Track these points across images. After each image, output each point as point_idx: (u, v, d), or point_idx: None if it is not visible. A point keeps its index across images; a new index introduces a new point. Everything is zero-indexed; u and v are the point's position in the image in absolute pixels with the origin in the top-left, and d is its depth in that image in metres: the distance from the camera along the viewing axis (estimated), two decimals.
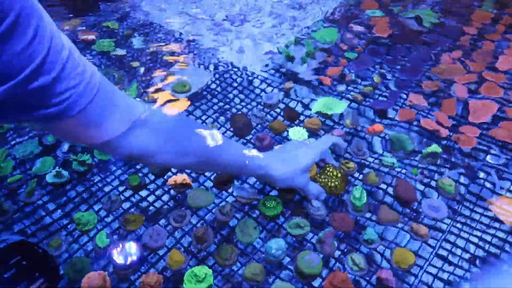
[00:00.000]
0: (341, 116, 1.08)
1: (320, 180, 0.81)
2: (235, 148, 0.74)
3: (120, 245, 0.80)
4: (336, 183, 0.80)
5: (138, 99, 1.15)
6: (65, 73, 0.45)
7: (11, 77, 0.39)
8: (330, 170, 0.80)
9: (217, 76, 1.26)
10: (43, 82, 0.42)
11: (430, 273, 0.77)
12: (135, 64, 1.30)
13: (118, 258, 0.78)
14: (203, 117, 1.12)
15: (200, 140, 0.66)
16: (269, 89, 1.20)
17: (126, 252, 0.79)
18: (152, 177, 0.95)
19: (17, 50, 0.38)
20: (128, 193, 0.92)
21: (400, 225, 0.84)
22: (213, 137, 0.68)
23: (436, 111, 1.08)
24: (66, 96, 0.46)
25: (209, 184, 0.94)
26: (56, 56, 0.43)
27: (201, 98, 1.18)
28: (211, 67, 1.30)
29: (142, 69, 1.28)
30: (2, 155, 0.97)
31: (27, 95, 0.42)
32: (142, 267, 0.79)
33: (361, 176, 0.92)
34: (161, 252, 0.81)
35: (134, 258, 0.78)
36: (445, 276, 0.76)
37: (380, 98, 1.13)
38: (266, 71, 1.27)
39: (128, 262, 0.78)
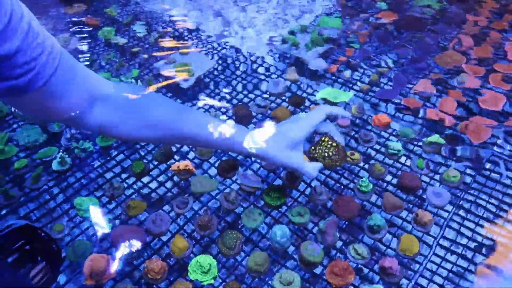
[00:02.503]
0: (347, 105, 1.07)
1: (315, 152, 0.73)
2: (211, 122, 0.67)
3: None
4: (331, 153, 0.71)
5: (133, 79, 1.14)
6: (27, 43, 0.44)
7: None
8: (325, 140, 0.72)
9: (220, 62, 1.25)
10: (7, 50, 0.42)
11: (434, 262, 0.77)
12: (136, 49, 1.29)
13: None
14: (205, 105, 1.11)
15: (166, 113, 0.64)
16: (273, 76, 1.19)
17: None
18: (155, 163, 0.95)
19: None
20: (131, 180, 0.92)
21: (404, 213, 0.83)
22: (183, 111, 0.66)
23: (441, 100, 1.07)
24: (31, 67, 0.45)
25: (213, 171, 0.93)
26: (17, 23, 0.43)
27: (204, 84, 1.17)
28: (214, 53, 1.29)
29: (144, 55, 1.27)
30: (4, 138, 0.96)
31: None
32: (146, 253, 0.79)
33: (366, 166, 0.92)
34: (164, 238, 0.81)
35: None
36: (448, 266, 0.76)
37: (386, 87, 1.12)
38: (270, 58, 1.26)
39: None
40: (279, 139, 0.68)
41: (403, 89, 1.11)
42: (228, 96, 1.13)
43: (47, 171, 0.92)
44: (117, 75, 1.19)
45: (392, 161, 0.94)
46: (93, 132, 0.73)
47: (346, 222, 0.82)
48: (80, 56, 1.27)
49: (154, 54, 1.27)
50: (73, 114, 0.55)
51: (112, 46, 1.33)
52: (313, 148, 0.73)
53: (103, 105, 0.59)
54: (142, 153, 0.97)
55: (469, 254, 0.77)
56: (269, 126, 0.72)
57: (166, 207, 0.86)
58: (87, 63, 1.24)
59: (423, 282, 0.74)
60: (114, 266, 0.75)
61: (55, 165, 0.92)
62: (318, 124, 0.72)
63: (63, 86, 0.52)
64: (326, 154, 0.72)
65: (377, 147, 0.97)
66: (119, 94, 0.61)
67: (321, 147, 0.72)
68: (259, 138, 0.67)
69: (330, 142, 0.72)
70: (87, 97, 0.57)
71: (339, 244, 0.79)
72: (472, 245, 0.78)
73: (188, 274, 0.73)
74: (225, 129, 0.66)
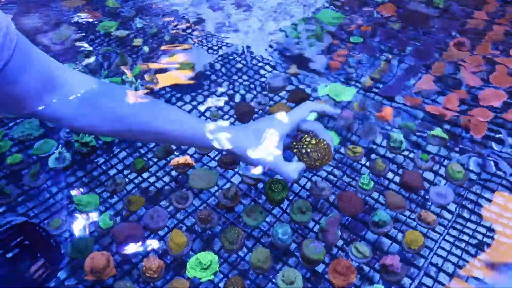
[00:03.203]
0: (349, 102, 1.07)
1: (294, 147, 0.66)
2: (183, 118, 0.63)
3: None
4: (309, 149, 0.64)
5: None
6: None
7: None
8: (307, 138, 0.65)
9: (220, 58, 1.24)
10: None
11: (440, 256, 0.76)
12: (138, 42, 1.27)
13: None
14: (205, 101, 1.10)
15: (134, 106, 0.59)
16: (275, 71, 1.18)
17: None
18: (155, 160, 0.94)
19: None
20: (132, 176, 0.91)
21: (407, 213, 0.82)
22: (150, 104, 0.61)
23: (444, 97, 1.06)
24: None
25: (213, 165, 0.92)
26: None
27: (205, 79, 1.15)
28: (215, 48, 1.27)
29: (146, 48, 1.25)
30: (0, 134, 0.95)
31: None
32: (144, 250, 0.78)
33: (368, 163, 0.91)
34: (162, 233, 0.80)
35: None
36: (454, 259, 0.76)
37: (389, 84, 1.11)
38: (271, 54, 1.24)
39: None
40: (257, 136, 0.63)
41: (406, 86, 1.10)
42: (228, 92, 1.12)
43: (45, 169, 0.90)
44: (116, 74, 1.18)
45: (394, 154, 0.93)
46: (55, 124, 0.69)
47: (349, 219, 0.81)
48: (79, 49, 1.26)
49: (157, 52, 1.26)
50: (30, 103, 0.52)
51: (112, 39, 1.31)
52: (294, 143, 0.66)
53: (63, 95, 0.55)
54: (143, 151, 0.96)
55: (472, 250, 0.77)
56: (250, 124, 0.67)
57: (164, 202, 0.85)
58: (86, 58, 1.23)
59: (428, 281, 0.73)
60: (114, 264, 0.74)
61: (52, 162, 0.90)
62: (302, 121, 0.66)
63: (20, 71, 0.48)
64: (304, 151, 0.64)
65: (379, 141, 0.96)
66: (82, 83, 0.57)
67: (300, 144, 0.66)
68: (236, 134, 0.62)
69: (308, 139, 0.65)
70: (46, 85, 0.53)
71: (340, 243, 0.78)
72: (474, 242, 0.78)
73: (186, 272, 0.73)
74: (200, 125, 0.62)
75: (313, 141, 0.65)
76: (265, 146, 0.62)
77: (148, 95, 0.63)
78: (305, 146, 0.65)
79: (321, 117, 1.01)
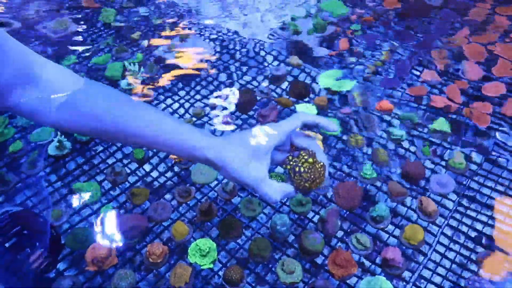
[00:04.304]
0: (350, 96, 1.06)
1: (288, 163, 0.58)
2: (164, 121, 0.56)
3: None
4: (303, 169, 0.57)
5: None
6: None
7: None
8: (303, 154, 0.58)
9: (220, 48, 1.23)
10: None
11: (439, 252, 0.76)
12: (137, 35, 1.26)
13: None
14: (204, 91, 1.09)
15: (109, 105, 0.55)
16: (275, 63, 1.17)
17: None
18: (155, 150, 0.93)
19: None
20: (133, 166, 0.90)
21: (408, 203, 0.82)
22: (125, 103, 0.56)
23: (447, 88, 1.05)
24: None
25: None
26: None
27: (203, 70, 1.15)
28: (215, 39, 1.26)
29: (145, 42, 1.24)
30: (3, 122, 0.95)
31: None
32: (148, 237, 0.78)
33: (370, 151, 0.91)
34: (165, 224, 0.81)
35: None
36: (451, 255, 0.76)
37: (390, 75, 1.11)
38: (272, 44, 1.23)
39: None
40: (241, 148, 0.55)
41: (407, 77, 1.09)
42: (227, 82, 1.11)
43: (44, 156, 0.90)
44: (117, 59, 1.17)
45: (395, 146, 0.93)
46: (27, 119, 0.65)
47: (347, 212, 0.81)
48: (78, 39, 1.25)
49: (154, 40, 1.25)
50: (3, 96, 0.50)
51: (112, 29, 1.30)
52: (289, 158, 0.58)
53: (39, 90, 0.53)
54: None
55: (471, 245, 0.77)
56: (233, 134, 0.61)
57: (168, 196, 0.85)
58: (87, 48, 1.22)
59: (427, 273, 0.73)
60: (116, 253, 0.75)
61: (52, 150, 0.90)
62: (295, 135, 0.59)
63: None
64: (297, 169, 0.56)
65: (380, 133, 0.96)
66: (61, 79, 0.54)
67: (296, 160, 0.58)
68: (219, 144, 0.55)
69: (306, 157, 0.57)
70: (21, 78, 0.51)
71: (340, 234, 0.78)
72: (474, 234, 0.78)
73: (188, 257, 0.73)
74: (181, 130, 0.56)
75: (310, 160, 0.57)
76: (248, 160, 0.54)
77: (129, 95, 0.59)
78: (300, 164, 0.57)
79: (321, 110, 1.01)
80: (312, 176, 0.57)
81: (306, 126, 0.58)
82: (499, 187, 0.84)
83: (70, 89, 0.54)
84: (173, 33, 1.28)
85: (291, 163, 0.57)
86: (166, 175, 0.89)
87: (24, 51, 0.52)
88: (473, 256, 0.75)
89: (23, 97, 0.52)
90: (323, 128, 0.59)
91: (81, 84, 0.55)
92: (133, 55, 1.18)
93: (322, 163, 0.58)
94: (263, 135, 0.55)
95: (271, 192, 0.55)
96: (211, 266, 0.73)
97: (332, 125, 0.58)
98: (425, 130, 0.96)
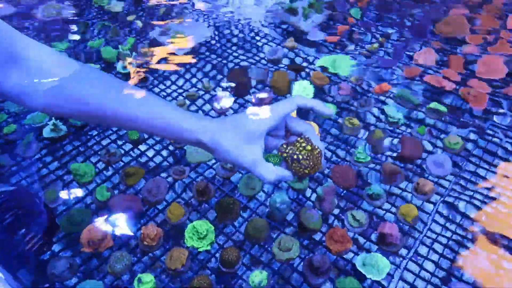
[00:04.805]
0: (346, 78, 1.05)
1: (285, 151, 0.57)
2: (155, 104, 0.56)
3: None
4: (301, 156, 0.56)
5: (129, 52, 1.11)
6: None
7: None
8: (300, 141, 0.57)
9: (216, 32, 1.22)
10: None
11: (433, 231, 0.76)
12: (131, 17, 1.25)
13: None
14: (199, 75, 1.08)
15: (96, 88, 0.54)
16: (271, 44, 1.16)
17: None
18: None
19: None
20: (127, 147, 0.90)
21: (403, 185, 0.82)
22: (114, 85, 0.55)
23: (444, 69, 1.05)
24: None
25: None
26: None
27: (200, 54, 1.14)
28: (211, 22, 1.25)
29: (139, 23, 1.23)
30: None
31: None
32: (142, 220, 0.78)
33: (366, 134, 0.91)
34: (160, 207, 0.80)
35: None
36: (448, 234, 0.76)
37: (386, 57, 1.10)
38: (267, 27, 1.22)
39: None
40: (235, 131, 0.54)
41: (403, 58, 1.09)
42: (223, 63, 1.10)
43: (39, 138, 0.90)
44: (111, 44, 1.15)
45: (392, 127, 0.93)
46: (16, 103, 0.64)
47: (344, 191, 0.81)
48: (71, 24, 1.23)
49: (151, 26, 1.24)
50: None
51: (106, 13, 1.28)
52: (284, 146, 0.57)
53: (25, 71, 0.51)
54: None
55: (467, 224, 0.77)
56: (226, 117, 0.58)
57: (163, 175, 0.85)
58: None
59: (423, 250, 0.73)
60: (111, 235, 0.74)
61: (46, 133, 0.90)
62: (290, 119, 0.58)
63: None
64: (295, 157, 0.56)
65: (376, 111, 0.96)
66: (49, 62, 0.52)
67: (293, 147, 0.57)
68: (212, 126, 0.54)
69: (304, 144, 0.57)
70: (5, 58, 0.50)
71: (336, 211, 0.78)
72: (472, 214, 0.78)
73: (185, 240, 0.73)
74: (174, 113, 0.55)
75: (308, 147, 0.56)
76: (242, 143, 0.54)
77: (122, 80, 0.57)
78: (298, 152, 0.56)
79: (319, 90, 1.00)
80: (311, 163, 0.56)
81: (301, 109, 0.57)
82: (493, 168, 0.84)
83: (62, 73, 0.52)
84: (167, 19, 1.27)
85: (288, 150, 0.56)
86: (161, 153, 0.89)
87: (10, 30, 0.51)
88: (469, 235, 0.75)
89: (8, 78, 0.50)
90: (318, 112, 0.58)
91: (74, 69, 0.53)
92: (125, 40, 1.17)
93: (319, 149, 0.57)
94: (257, 116, 0.55)
95: (266, 173, 0.54)
96: (209, 248, 0.73)
97: (327, 109, 0.57)
98: (423, 109, 0.95)
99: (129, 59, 1.08)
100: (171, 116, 0.54)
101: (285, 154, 0.56)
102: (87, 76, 0.54)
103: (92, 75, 0.55)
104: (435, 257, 0.72)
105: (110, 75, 0.55)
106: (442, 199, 0.80)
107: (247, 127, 0.54)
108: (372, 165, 0.85)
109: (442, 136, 0.90)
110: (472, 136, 0.90)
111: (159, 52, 1.13)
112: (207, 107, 0.99)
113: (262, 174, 0.54)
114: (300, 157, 0.55)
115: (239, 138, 0.54)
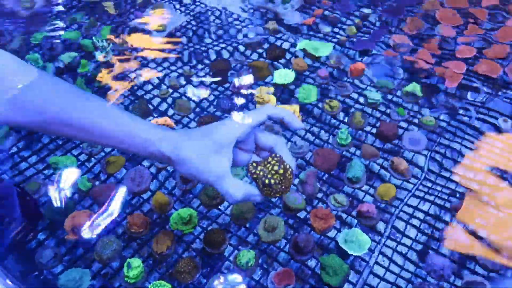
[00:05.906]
0: (327, 59, 1.07)
1: (255, 172, 0.53)
2: (112, 113, 0.51)
3: None
4: (273, 181, 0.52)
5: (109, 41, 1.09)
6: None
7: None
8: (272, 162, 0.52)
9: (193, 17, 1.21)
10: None
11: (411, 205, 0.79)
12: (108, 4, 1.23)
13: None
14: (178, 63, 1.08)
15: (46, 94, 0.49)
16: (250, 28, 1.16)
17: None
18: None
19: None
20: None
21: (380, 160, 0.85)
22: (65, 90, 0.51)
23: (419, 50, 1.07)
24: None
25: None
26: None
27: (177, 40, 1.13)
28: (188, 7, 1.24)
29: (113, 10, 1.21)
30: None
31: None
32: (127, 209, 0.78)
33: (346, 118, 0.93)
34: (145, 196, 0.81)
35: None
36: (425, 207, 0.79)
37: (363, 39, 1.12)
38: (246, 11, 1.22)
39: None
40: (201, 140, 0.50)
41: (380, 40, 1.11)
42: (203, 49, 1.10)
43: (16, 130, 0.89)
44: (87, 36, 1.14)
45: (372, 109, 0.95)
46: None
47: (326, 174, 0.83)
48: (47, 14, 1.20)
49: (127, 14, 1.22)
50: None
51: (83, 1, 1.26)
52: (254, 165, 0.53)
53: None
54: None
55: (445, 197, 0.80)
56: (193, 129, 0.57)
57: (146, 163, 0.85)
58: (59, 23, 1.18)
59: (400, 224, 0.76)
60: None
61: None
62: (260, 132, 0.55)
63: None
64: (267, 182, 0.52)
65: (355, 96, 0.98)
66: (1, 65, 0.48)
67: (264, 170, 0.52)
68: (176, 138, 0.51)
69: (276, 168, 0.52)
70: None
71: (320, 195, 0.80)
72: (448, 191, 0.81)
73: (170, 225, 0.74)
74: (134, 123, 0.51)
75: (281, 171, 0.52)
76: (208, 153, 0.50)
77: (74, 86, 0.53)
78: (270, 175, 0.52)
79: (299, 75, 1.01)
80: (283, 187, 0.53)
81: (271, 120, 0.55)
82: (467, 143, 0.88)
83: (21, 81, 0.48)
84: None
85: (259, 171, 0.52)
86: None
87: None
88: (448, 205, 0.78)
89: None
90: (288, 124, 0.54)
91: (33, 76, 0.49)
92: (98, 32, 1.15)
93: (291, 169, 0.53)
94: (225, 125, 0.52)
95: (233, 190, 0.51)
96: (191, 230, 0.74)
97: (298, 122, 0.55)
98: (398, 93, 0.98)
99: (103, 54, 1.07)
100: (129, 126, 0.50)
101: (255, 176, 0.53)
102: (47, 84, 0.50)
103: (51, 82, 0.51)
104: (413, 232, 0.75)
105: (70, 84, 0.53)
106: (420, 182, 0.82)
107: (214, 136, 0.50)
108: (353, 149, 0.87)
109: (419, 116, 0.93)
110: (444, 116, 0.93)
111: (136, 41, 1.12)
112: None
113: (228, 191, 0.51)
114: (272, 181, 0.52)
115: (205, 148, 0.50)
